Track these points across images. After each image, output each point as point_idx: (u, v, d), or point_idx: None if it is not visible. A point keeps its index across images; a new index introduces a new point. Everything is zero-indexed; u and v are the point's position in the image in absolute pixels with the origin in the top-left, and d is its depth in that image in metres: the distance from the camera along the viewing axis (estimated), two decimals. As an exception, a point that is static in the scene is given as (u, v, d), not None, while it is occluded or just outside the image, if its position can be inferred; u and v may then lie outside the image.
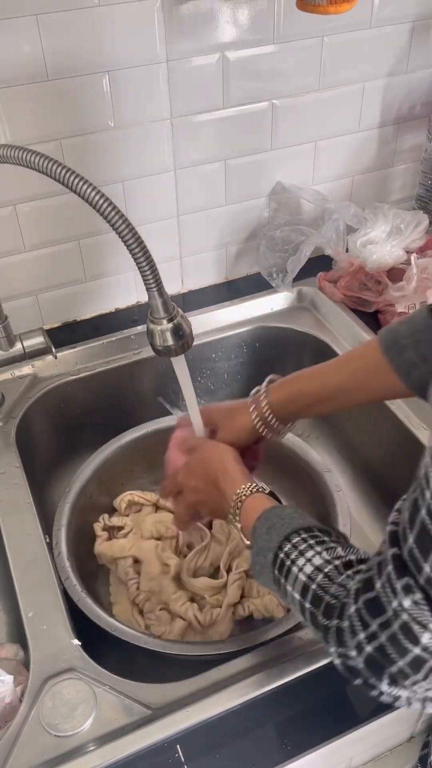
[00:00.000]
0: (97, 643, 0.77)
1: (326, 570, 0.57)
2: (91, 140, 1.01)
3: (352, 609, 0.51)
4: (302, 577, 0.58)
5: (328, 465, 1.03)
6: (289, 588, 0.59)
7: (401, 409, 0.99)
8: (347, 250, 1.16)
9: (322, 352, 1.12)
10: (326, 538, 0.60)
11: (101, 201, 0.67)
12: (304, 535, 0.60)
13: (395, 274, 1.13)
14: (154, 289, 0.73)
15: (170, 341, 0.76)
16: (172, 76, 1.01)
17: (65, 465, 1.10)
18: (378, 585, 0.49)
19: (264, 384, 0.81)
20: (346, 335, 1.13)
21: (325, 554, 0.58)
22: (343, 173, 1.25)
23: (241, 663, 0.72)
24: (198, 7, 0.96)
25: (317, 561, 0.57)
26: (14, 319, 0.95)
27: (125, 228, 0.68)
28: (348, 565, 0.57)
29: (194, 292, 1.24)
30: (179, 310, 0.78)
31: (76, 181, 0.67)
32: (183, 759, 0.65)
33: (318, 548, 0.59)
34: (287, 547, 0.60)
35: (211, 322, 1.16)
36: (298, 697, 0.70)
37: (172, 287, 1.22)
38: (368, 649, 0.50)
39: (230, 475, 0.73)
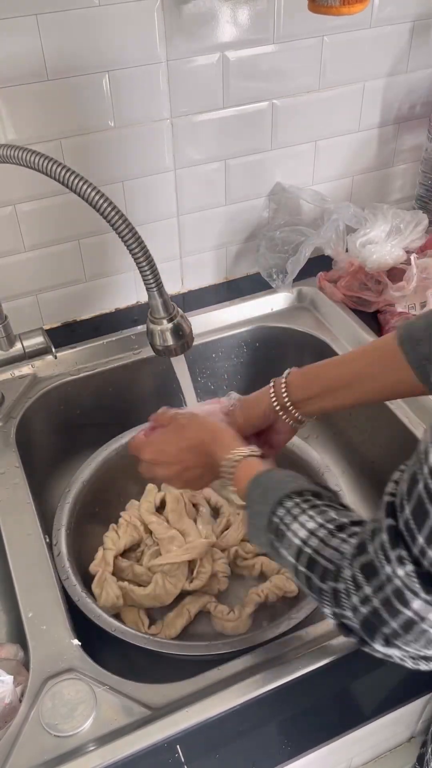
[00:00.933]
0: (97, 643, 0.77)
1: (320, 534, 0.58)
2: (91, 140, 1.01)
3: (348, 572, 0.53)
4: (296, 541, 0.59)
5: (328, 464, 1.03)
6: (283, 551, 0.61)
7: (401, 408, 0.99)
8: (347, 250, 1.16)
9: (322, 352, 1.12)
10: (318, 502, 0.61)
11: (101, 201, 0.67)
12: (296, 500, 0.61)
13: (395, 274, 1.13)
14: (154, 289, 0.73)
15: (170, 341, 0.77)
16: (172, 76, 1.01)
17: (65, 465, 1.10)
18: (371, 549, 0.51)
19: (286, 372, 0.81)
20: (346, 335, 1.13)
21: (318, 518, 0.59)
22: (343, 173, 1.25)
23: (241, 663, 0.72)
24: (198, 7, 0.96)
25: (311, 525, 0.59)
26: (14, 319, 0.95)
27: (125, 228, 0.68)
28: (341, 527, 0.58)
29: (194, 292, 1.24)
30: (179, 310, 0.78)
31: (76, 181, 0.67)
32: (183, 759, 0.65)
33: (311, 512, 0.60)
34: (280, 511, 0.61)
35: (211, 322, 1.16)
36: (298, 697, 0.70)
37: (172, 287, 1.22)
38: (363, 611, 0.52)
39: (220, 440, 0.74)
